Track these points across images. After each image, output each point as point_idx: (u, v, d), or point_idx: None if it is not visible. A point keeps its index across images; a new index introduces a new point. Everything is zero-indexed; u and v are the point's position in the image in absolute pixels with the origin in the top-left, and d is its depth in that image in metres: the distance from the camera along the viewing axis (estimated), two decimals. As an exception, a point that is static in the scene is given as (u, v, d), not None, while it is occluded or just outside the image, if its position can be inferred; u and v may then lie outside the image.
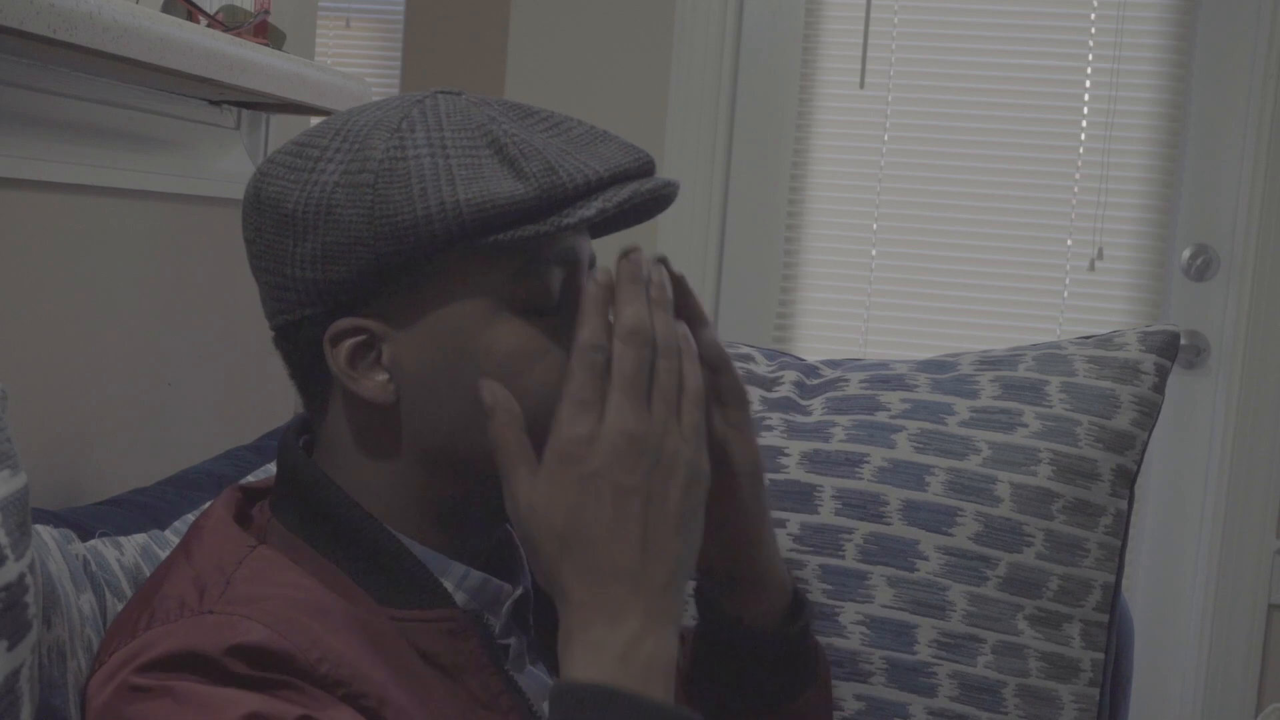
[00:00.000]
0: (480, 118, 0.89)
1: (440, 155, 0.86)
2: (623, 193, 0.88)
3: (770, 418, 1.27)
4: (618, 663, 0.81)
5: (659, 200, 0.93)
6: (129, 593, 1.00)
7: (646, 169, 0.91)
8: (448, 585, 0.91)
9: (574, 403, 0.84)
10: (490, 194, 0.85)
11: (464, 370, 0.88)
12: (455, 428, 0.89)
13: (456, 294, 0.88)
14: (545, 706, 0.88)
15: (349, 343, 0.88)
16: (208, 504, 1.11)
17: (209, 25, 1.33)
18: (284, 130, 1.66)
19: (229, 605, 0.84)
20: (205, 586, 0.86)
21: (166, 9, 1.29)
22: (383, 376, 0.89)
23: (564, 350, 0.88)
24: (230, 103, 1.50)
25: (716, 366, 0.96)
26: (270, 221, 0.89)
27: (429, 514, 0.92)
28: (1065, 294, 2.50)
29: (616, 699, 0.80)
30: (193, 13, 1.31)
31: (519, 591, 0.96)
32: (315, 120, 1.77)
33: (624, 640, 0.81)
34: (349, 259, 0.87)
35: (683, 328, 0.90)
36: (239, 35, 1.32)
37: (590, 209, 0.87)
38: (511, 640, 0.95)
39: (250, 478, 1.23)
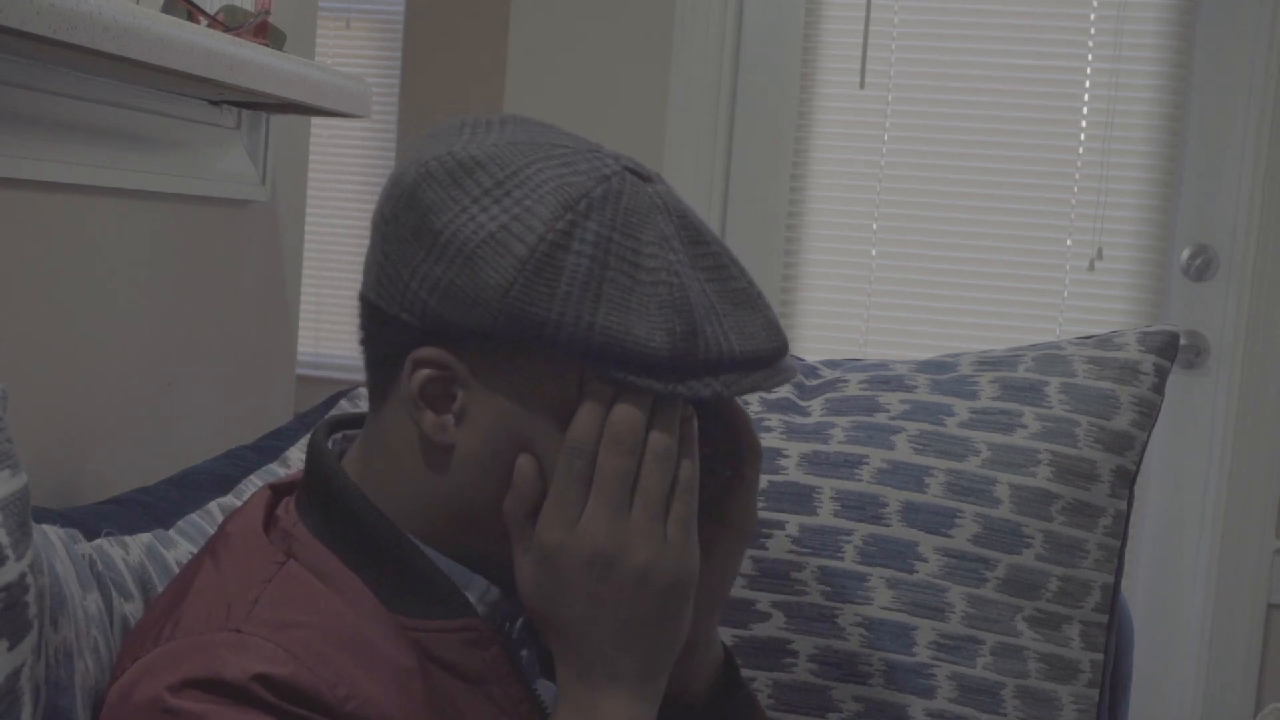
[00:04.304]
0: (653, 233, 0.86)
1: (599, 264, 0.84)
2: (744, 383, 0.87)
3: (769, 419, 1.27)
4: None
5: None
6: (135, 593, 1.00)
7: (780, 354, 0.90)
8: (470, 598, 0.91)
9: (554, 503, 0.86)
10: (626, 333, 0.84)
11: (522, 452, 0.88)
12: (493, 497, 0.89)
13: (548, 388, 0.87)
14: None
15: (429, 372, 0.87)
16: (238, 506, 1.11)
17: (209, 25, 1.33)
18: (284, 130, 1.66)
19: (255, 627, 0.83)
20: (232, 602, 0.85)
21: (166, 9, 1.29)
22: (447, 418, 0.88)
23: None
24: (230, 103, 1.50)
25: (733, 424, 0.96)
26: (413, 220, 0.87)
27: (454, 533, 0.91)
28: (1065, 294, 2.50)
29: None
30: (193, 13, 1.31)
31: None
32: (314, 121, 1.77)
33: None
34: (468, 310, 0.85)
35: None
36: (239, 35, 1.32)
37: (708, 389, 0.86)
38: (524, 651, 0.96)
39: (252, 476, 1.23)
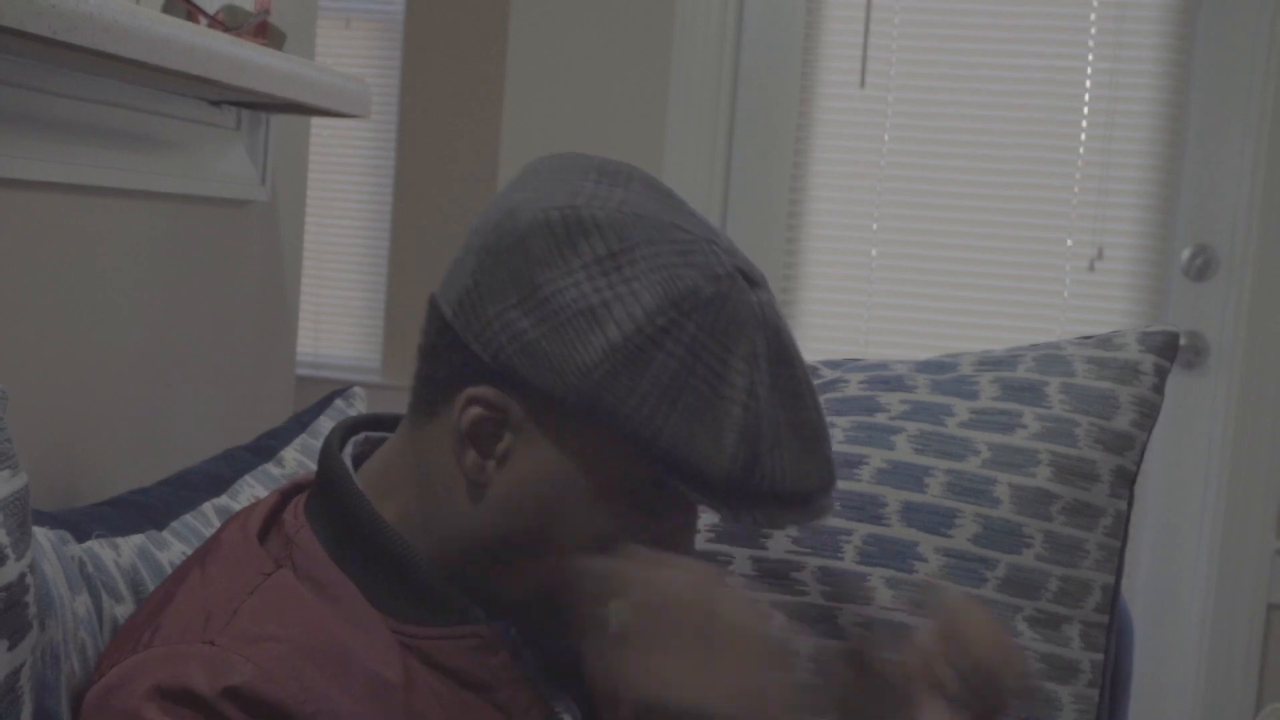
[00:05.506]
0: (746, 348, 0.86)
1: (687, 369, 0.84)
2: (781, 517, 0.88)
3: (770, 418, 1.27)
4: None
5: None
6: (126, 594, 1.00)
7: (826, 490, 0.91)
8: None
9: (656, 659, 0.83)
10: (691, 446, 0.84)
11: (559, 512, 0.88)
12: (515, 547, 0.89)
13: (600, 463, 0.87)
14: None
15: (482, 411, 0.87)
16: (232, 507, 1.10)
17: (209, 25, 1.33)
18: (284, 130, 1.66)
19: (229, 640, 0.83)
20: (212, 612, 0.85)
21: (167, 9, 1.29)
22: (489, 462, 0.88)
23: (645, 544, 0.89)
24: (230, 103, 1.50)
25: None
26: (515, 263, 0.85)
27: (464, 563, 0.91)
28: (1065, 294, 2.50)
29: None
30: (193, 13, 1.31)
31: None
32: (314, 121, 1.77)
33: None
34: (544, 374, 0.84)
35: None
36: (239, 35, 1.32)
37: (749, 517, 0.87)
38: (527, 654, 0.95)
39: (247, 477, 1.23)
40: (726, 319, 0.85)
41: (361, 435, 0.98)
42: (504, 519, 0.88)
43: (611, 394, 0.83)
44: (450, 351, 0.88)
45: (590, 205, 0.86)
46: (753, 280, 0.89)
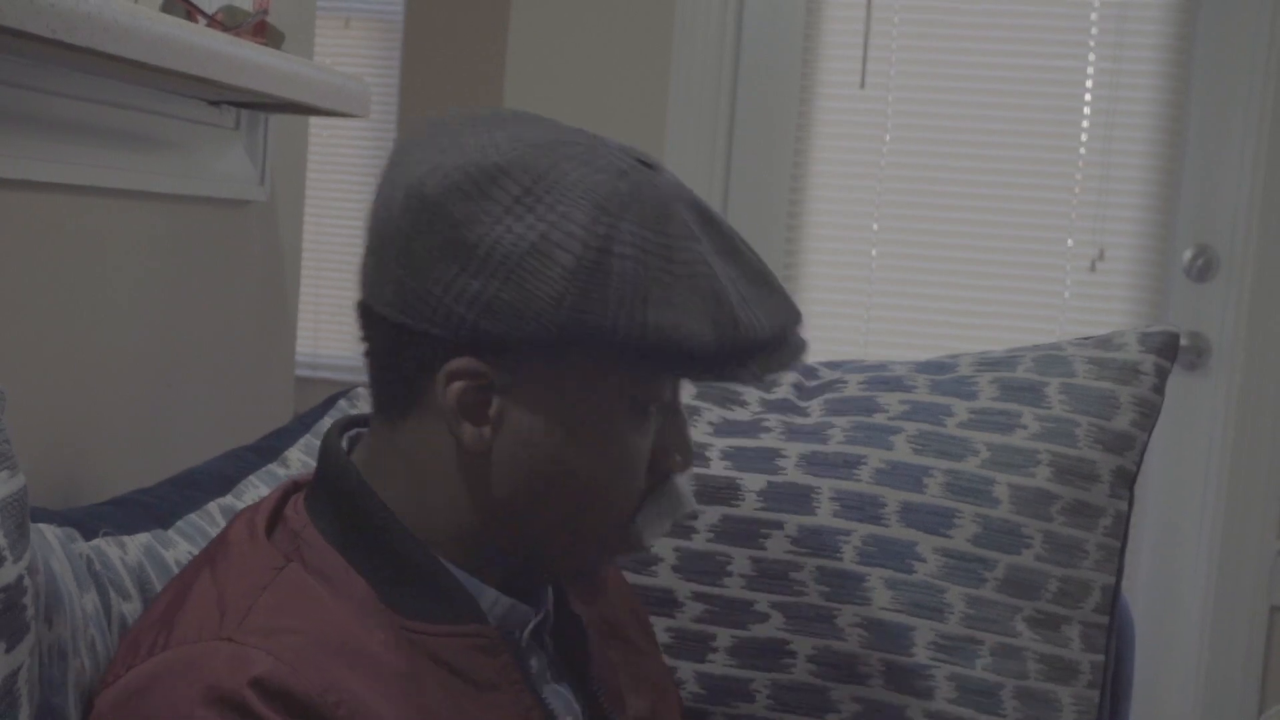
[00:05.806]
0: (678, 225, 0.88)
1: (641, 263, 0.85)
2: (773, 361, 0.90)
3: (768, 419, 1.27)
4: None
5: None
6: (133, 592, 1.00)
7: (797, 323, 0.93)
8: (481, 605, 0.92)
9: None
10: (677, 329, 0.85)
11: (567, 450, 0.88)
12: (533, 495, 0.89)
13: (590, 387, 0.88)
14: None
15: (465, 384, 0.87)
16: (238, 506, 1.10)
17: (208, 25, 1.33)
18: (283, 130, 1.66)
19: (247, 635, 0.83)
20: (226, 609, 0.85)
21: (165, 9, 1.29)
22: (485, 427, 0.88)
23: (649, 448, 0.91)
24: (229, 103, 1.50)
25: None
26: (441, 235, 0.85)
27: (471, 547, 0.91)
28: (1066, 294, 2.50)
29: None
30: (192, 13, 1.31)
31: (540, 615, 0.96)
32: (313, 121, 1.77)
33: None
34: (516, 323, 0.84)
35: None
36: (238, 35, 1.32)
37: (749, 373, 0.88)
38: (533, 660, 0.96)
39: (251, 477, 1.23)
40: (650, 206, 0.87)
41: (354, 431, 0.98)
42: (516, 477, 0.89)
43: (590, 315, 0.84)
44: (408, 346, 0.88)
45: (485, 153, 0.86)
46: (651, 165, 0.90)
